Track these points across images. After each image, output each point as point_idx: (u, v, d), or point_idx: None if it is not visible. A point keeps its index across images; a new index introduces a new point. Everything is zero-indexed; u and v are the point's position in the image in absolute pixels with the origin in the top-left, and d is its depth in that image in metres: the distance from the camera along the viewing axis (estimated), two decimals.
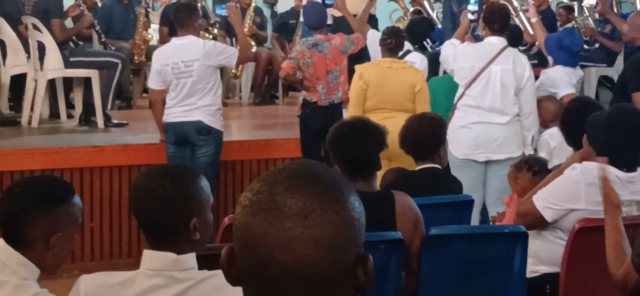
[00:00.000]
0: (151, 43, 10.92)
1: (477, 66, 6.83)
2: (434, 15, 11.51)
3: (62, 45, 8.73)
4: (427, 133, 5.23)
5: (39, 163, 7.29)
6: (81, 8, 9.33)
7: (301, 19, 8.74)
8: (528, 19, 8.97)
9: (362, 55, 7.99)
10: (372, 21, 9.41)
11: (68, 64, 8.75)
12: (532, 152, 6.69)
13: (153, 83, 7.33)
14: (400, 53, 7.59)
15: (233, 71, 11.28)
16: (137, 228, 6.93)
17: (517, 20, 9.06)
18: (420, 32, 9.61)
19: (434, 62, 8.77)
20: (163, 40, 10.13)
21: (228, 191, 7.97)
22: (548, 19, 9.71)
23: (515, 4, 9.13)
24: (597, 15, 10.31)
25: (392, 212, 4.15)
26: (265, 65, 11.62)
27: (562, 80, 7.84)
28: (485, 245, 4.31)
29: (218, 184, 7.74)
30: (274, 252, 1.48)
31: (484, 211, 6.79)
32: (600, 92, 10.04)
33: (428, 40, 9.93)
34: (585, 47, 9.84)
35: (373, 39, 8.10)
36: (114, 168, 7.60)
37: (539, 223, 4.40)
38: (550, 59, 8.22)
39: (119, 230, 7.63)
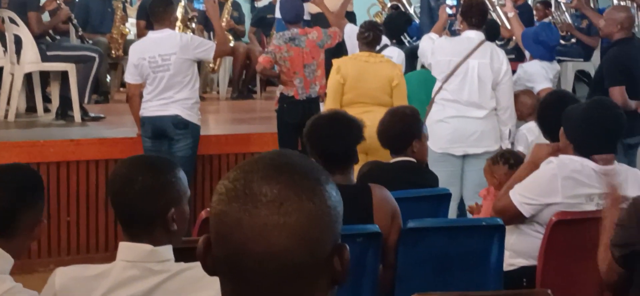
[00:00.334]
0: (129, 37, 10.88)
1: (455, 60, 6.85)
2: (411, 10, 11.53)
3: (39, 38, 8.68)
4: (401, 128, 5.26)
5: (16, 156, 7.23)
6: (58, 2, 9.28)
7: (277, 14, 8.72)
8: (505, 14, 9.01)
9: (339, 50, 8.00)
10: (350, 17, 9.41)
11: (45, 58, 8.71)
12: (509, 146, 6.71)
13: (130, 77, 7.31)
14: (378, 47, 7.60)
15: (211, 65, 11.27)
16: (114, 220, 6.97)
17: (494, 15, 9.10)
18: (398, 26, 9.64)
19: (411, 57, 8.80)
20: (140, 34, 10.11)
21: (206, 185, 7.95)
22: (525, 13, 9.74)
23: None
24: (573, 10, 10.35)
25: (369, 205, 4.16)
26: (243, 60, 11.62)
27: (539, 75, 7.87)
28: (462, 239, 4.32)
29: (195, 178, 7.72)
30: (249, 241, 1.47)
31: (461, 205, 6.80)
32: (577, 86, 10.07)
33: (406, 34, 9.95)
34: (562, 42, 9.88)
35: (350, 33, 8.10)
36: (90, 162, 7.57)
37: (517, 219, 4.41)
38: (527, 54, 8.25)
39: (96, 224, 7.60)
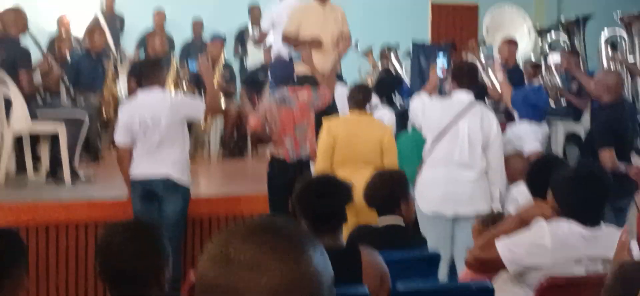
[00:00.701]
0: (120, 96, 10.90)
1: (445, 121, 6.85)
2: (402, 71, 11.58)
3: (29, 98, 8.65)
4: (387, 191, 5.32)
5: (3, 219, 7.22)
6: (50, 64, 9.29)
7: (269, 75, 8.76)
8: (495, 76, 9.05)
9: (330, 110, 8.01)
10: (339, 80, 9.44)
11: (34, 116, 8.66)
12: (499, 207, 6.69)
13: (120, 138, 7.24)
14: (368, 108, 7.60)
15: (201, 123, 11.27)
16: (104, 285, 6.89)
17: (484, 76, 9.13)
18: (389, 84, 9.68)
19: (402, 118, 8.81)
20: (131, 90, 10.10)
21: (196, 247, 7.92)
22: (516, 75, 9.79)
23: (483, 61, 9.20)
24: (564, 72, 10.41)
25: (358, 267, 4.14)
26: (234, 121, 11.64)
27: (528, 135, 7.91)
28: None
29: (185, 240, 7.69)
30: None
31: (452, 267, 6.77)
32: (568, 148, 10.09)
33: (395, 93, 9.99)
34: (552, 106, 9.94)
35: (340, 94, 8.12)
36: (80, 225, 7.55)
37: (496, 272, 4.38)
38: (516, 114, 8.28)
39: (85, 288, 7.54)
